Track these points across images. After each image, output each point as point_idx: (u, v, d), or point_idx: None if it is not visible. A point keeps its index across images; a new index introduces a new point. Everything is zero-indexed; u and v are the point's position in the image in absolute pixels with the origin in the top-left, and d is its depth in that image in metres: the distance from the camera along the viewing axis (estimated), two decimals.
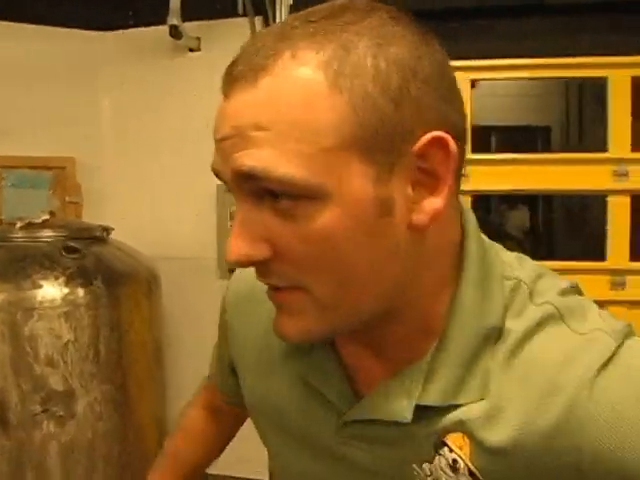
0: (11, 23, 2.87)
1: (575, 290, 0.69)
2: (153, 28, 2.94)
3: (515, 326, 0.63)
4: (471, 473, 0.63)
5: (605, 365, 0.58)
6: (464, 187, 0.69)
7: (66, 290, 2.06)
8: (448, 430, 0.64)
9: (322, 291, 0.59)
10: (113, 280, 2.20)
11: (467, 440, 0.63)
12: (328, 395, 0.71)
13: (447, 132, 0.57)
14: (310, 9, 0.59)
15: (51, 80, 2.92)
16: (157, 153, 2.92)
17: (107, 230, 2.40)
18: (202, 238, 2.80)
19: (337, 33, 0.55)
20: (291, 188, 0.55)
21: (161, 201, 2.88)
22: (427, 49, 0.58)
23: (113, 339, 2.17)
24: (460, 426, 0.63)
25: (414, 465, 0.67)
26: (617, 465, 0.57)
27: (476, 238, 0.66)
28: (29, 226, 2.24)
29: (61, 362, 2.06)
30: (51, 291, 2.04)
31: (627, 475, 0.56)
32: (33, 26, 2.89)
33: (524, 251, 0.72)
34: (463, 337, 0.63)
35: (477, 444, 0.63)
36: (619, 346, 0.60)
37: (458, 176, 0.62)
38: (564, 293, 0.66)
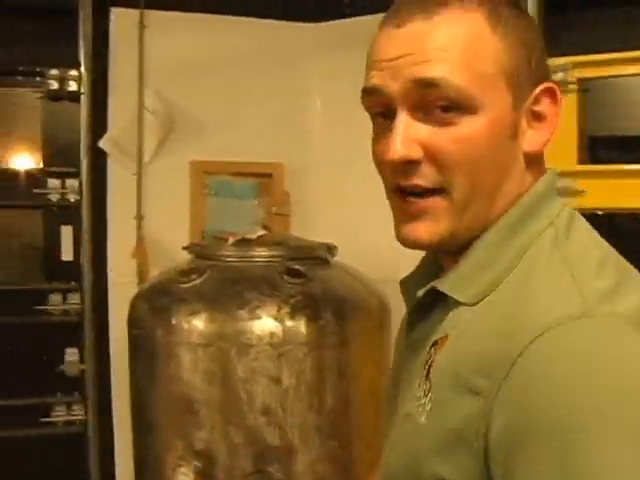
0: (212, 15, 2.58)
1: (606, 253, 0.75)
2: (373, 16, 2.54)
3: (529, 263, 0.72)
4: (428, 372, 0.75)
5: (563, 324, 0.62)
6: None
7: (290, 323, 1.66)
8: (447, 330, 0.75)
9: (459, 191, 0.73)
10: (343, 312, 1.77)
11: (447, 342, 0.74)
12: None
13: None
14: None
15: (256, 78, 2.60)
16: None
17: (331, 250, 1.98)
18: None
19: (486, 2, 0.74)
20: (458, 96, 0.70)
21: (380, 213, 2.43)
22: (538, 31, 0.80)
23: (341, 385, 1.75)
24: (452, 329, 0.74)
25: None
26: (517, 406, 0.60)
27: (546, 185, 0.78)
28: (242, 243, 1.88)
29: (280, 411, 1.67)
30: (271, 324, 1.65)
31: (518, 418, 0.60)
32: (236, 18, 2.59)
33: None
34: (482, 251, 0.75)
35: (449, 347, 0.73)
36: (575, 321, 0.62)
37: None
38: (585, 250, 0.73)
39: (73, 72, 2.52)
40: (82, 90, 2.51)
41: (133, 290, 2.08)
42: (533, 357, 0.60)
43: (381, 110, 0.76)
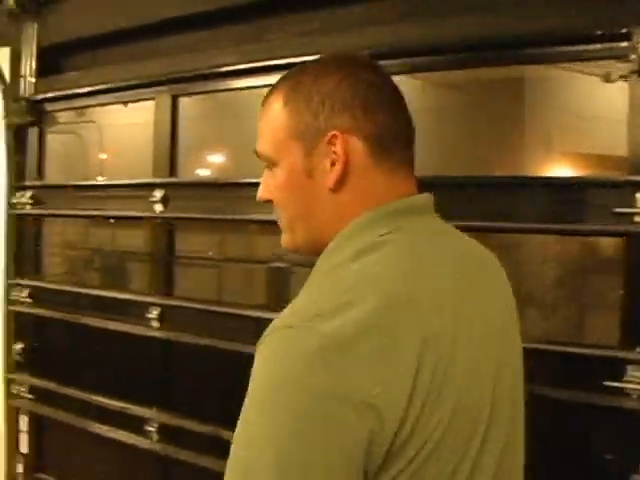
0: None
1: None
2: None
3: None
4: None
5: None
6: None
7: None
8: None
9: (283, 218, 1.11)
10: None
11: None
12: None
13: (348, 133, 1.01)
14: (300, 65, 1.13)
15: None
16: None
17: None
18: None
19: (298, 75, 1.08)
20: (266, 158, 1.09)
21: None
22: (354, 83, 1.03)
23: None
24: None
25: None
26: None
27: (356, 224, 1.02)
28: None
29: None
30: None
31: None
32: None
33: None
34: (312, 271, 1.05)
35: None
36: (277, 329, 0.89)
37: (365, 166, 1.03)
38: (341, 279, 0.95)
39: None
40: None
41: None
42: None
43: None
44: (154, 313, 2.93)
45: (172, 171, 2.99)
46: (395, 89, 1.07)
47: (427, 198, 1.07)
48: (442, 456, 0.86)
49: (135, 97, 3.18)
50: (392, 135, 1.03)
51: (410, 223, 1.00)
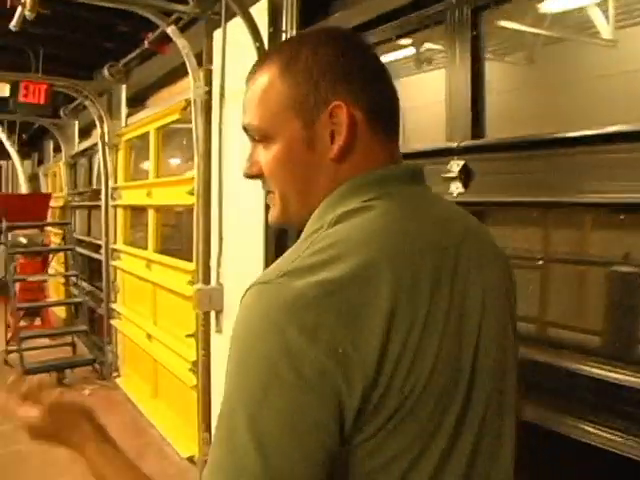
0: None
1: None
2: None
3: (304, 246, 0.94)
4: None
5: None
6: None
7: None
8: None
9: (277, 191, 1.03)
10: None
11: None
12: None
13: (351, 104, 0.96)
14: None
15: None
16: None
17: None
18: None
19: (294, 47, 1.01)
20: (259, 133, 1.02)
21: None
22: (352, 55, 0.99)
23: None
24: None
25: None
26: None
27: (340, 190, 0.99)
28: None
29: None
30: None
31: None
32: None
33: None
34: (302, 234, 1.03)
35: None
36: (254, 285, 0.88)
37: (362, 138, 0.98)
38: (322, 239, 0.92)
39: None
40: None
41: None
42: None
43: None
44: None
45: (475, 131, 1.98)
46: (382, 63, 1.06)
47: (418, 167, 1.07)
48: (422, 413, 0.87)
49: (417, 23, 2.21)
50: (385, 106, 1.03)
51: (398, 190, 1.01)
